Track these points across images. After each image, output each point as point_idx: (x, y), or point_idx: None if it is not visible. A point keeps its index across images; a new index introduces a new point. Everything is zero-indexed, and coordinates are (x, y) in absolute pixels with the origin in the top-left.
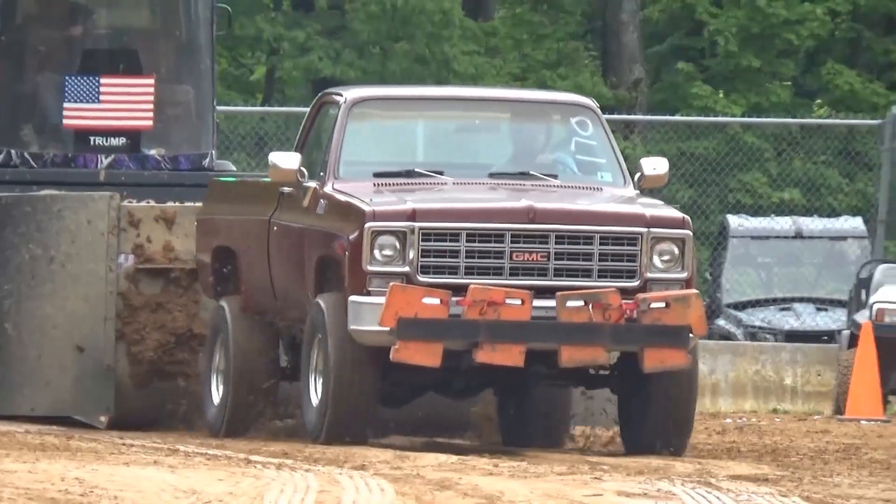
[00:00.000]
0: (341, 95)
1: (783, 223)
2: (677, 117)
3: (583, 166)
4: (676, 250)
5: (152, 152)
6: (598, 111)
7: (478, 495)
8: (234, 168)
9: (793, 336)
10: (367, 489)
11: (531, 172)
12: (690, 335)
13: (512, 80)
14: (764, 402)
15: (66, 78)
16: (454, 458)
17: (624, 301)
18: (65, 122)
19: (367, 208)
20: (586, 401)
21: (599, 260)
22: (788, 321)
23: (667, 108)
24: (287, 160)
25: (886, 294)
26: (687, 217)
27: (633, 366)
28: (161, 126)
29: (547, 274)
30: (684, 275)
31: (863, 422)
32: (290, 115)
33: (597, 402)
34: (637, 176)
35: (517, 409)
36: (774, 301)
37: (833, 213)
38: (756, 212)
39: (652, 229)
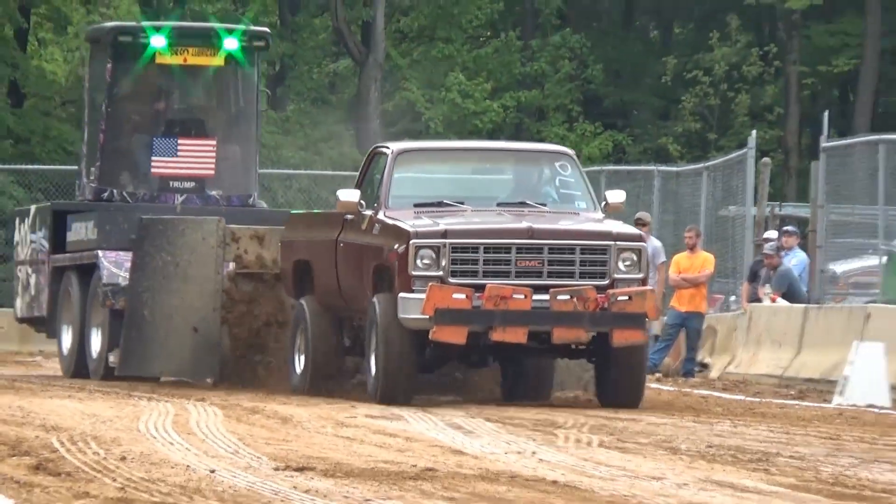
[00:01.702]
0: (389, 148)
1: None
2: None
3: (564, 197)
4: (635, 257)
5: (213, 193)
6: (575, 157)
7: (276, 416)
8: (266, 206)
9: None
10: (206, 412)
11: (527, 202)
12: (646, 319)
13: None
14: None
15: (154, 139)
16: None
17: (598, 295)
18: (152, 170)
19: (411, 229)
20: (565, 372)
21: (580, 265)
22: None
23: None
24: (350, 195)
25: None
26: (643, 233)
27: (605, 342)
28: (219, 175)
29: (542, 275)
30: (641, 275)
31: None
32: None
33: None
34: (603, 204)
35: (514, 376)
36: None
37: None
38: None
39: (617, 242)
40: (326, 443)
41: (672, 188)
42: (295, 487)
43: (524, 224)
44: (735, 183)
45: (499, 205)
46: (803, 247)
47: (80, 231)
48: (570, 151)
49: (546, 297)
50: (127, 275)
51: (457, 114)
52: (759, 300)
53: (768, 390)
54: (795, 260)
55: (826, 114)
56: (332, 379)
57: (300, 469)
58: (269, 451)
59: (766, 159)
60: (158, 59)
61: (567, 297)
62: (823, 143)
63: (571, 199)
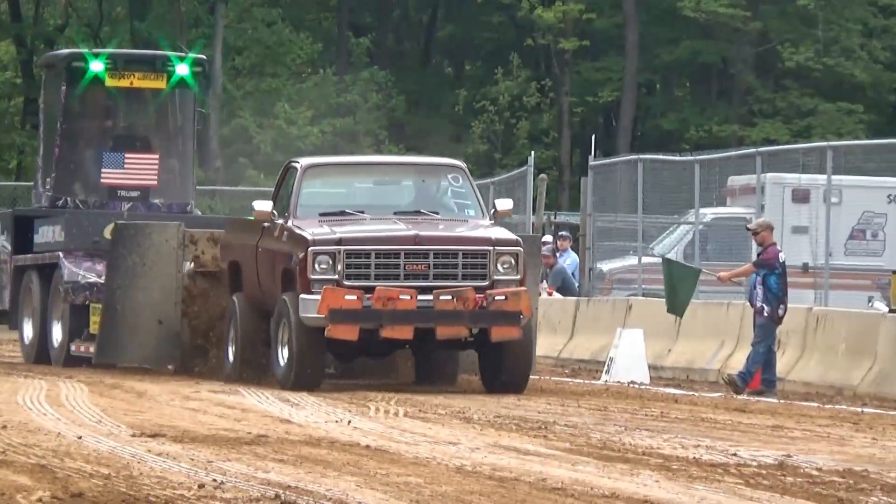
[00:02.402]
0: (299, 162)
1: None
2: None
3: (457, 206)
4: (513, 261)
5: (156, 201)
6: (466, 170)
7: (133, 391)
8: (199, 213)
9: None
10: (74, 388)
11: (422, 211)
12: (522, 316)
13: None
14: None
15: (103, 153)
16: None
17: (477, 295)
18: (102, 181)
19: (310, 237)
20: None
21: (462, 268)
22: None
23: None
24: (264, 205)
25: None
26: (519, 238)
27: (484, 337)
28: (161, 185)
29: (428, 278)
30: (518, 277)
31: None
32: None
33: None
34: (492, 211)
35: (423, 362)
36: None
37: None
38: None
39: (496, 247)
40: (175, 413)
41: None
42: (149, 451)
43: (412, 231)
44: (517, 195)
45: (396, 213)
46: (575, 249)
47: (47, 234)
48: (462, 165)
49: (430, 297)
50: (85, 273)
51: (283, 138)
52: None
53: (546, 369)
54: (569, 260)
55: (593, 137)
56: (257, 367)
57: (153, 435)
58: (128, 421)
59: (542, 175)
60: (108, 82)
61: (449, 297)
62: (591, 162)
63: (463, 207)
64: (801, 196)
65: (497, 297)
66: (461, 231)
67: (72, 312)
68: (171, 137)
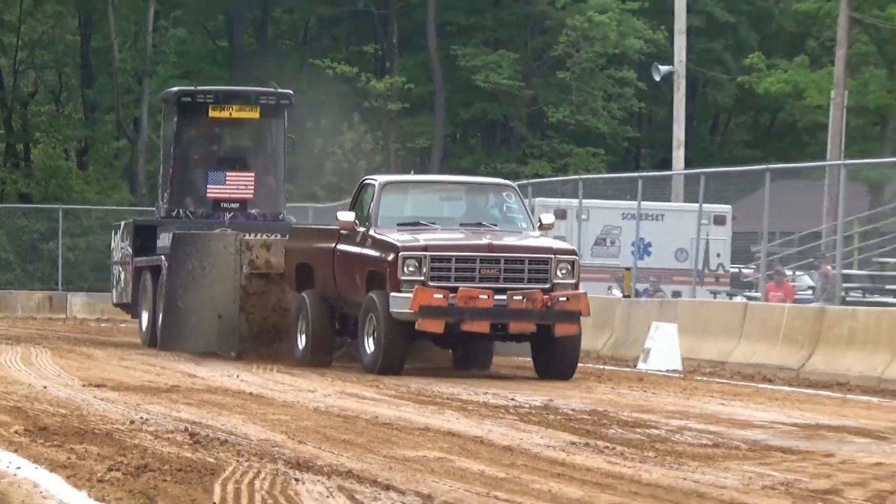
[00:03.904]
0: (375, 180)
1: None
2: None
3: (509, 219)
4: (570, 267)
5: (253, 212)
6: (517, 188)
7: (83, 354)
8: (294, 220)
9: None
10: (41, 352)
11: (482, 223)
12: (580, 316)
13: None
14: None
15: (209, 172)
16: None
17: (543, 296)
18: (208, 195)
19: (399, 243)
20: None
21: (528, 272)
22: None
23: None
24: (347, 216)
25: None
26: (574, 248)
27: (548, 332)
28: (257, 198)
29: (499, 280)
30: (574, 281)
31: None
32: None
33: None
34: (538, 224)
35: (465, 352)
36: None
37: None
38: None
39: (556, 255)
40: (113, 370)
41: None
42: (94, 397)
43: (485, 241)
44: None
45: (461, 224)
46: None
47: (165, 239)
48: (514, 185)
49: (504, 297)
50: None
51: None
52: None
53: None
54: None
55: (412, 172)
56: (327, 351)
57: (98, 385)
58: (79, 375)
59: None
60: (211, 114)
61: (520, 297)
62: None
63: (514, 220)
64: (560, 214)
65: (560, 298)
66: (525, 241)
67: None
68: (265, 158)
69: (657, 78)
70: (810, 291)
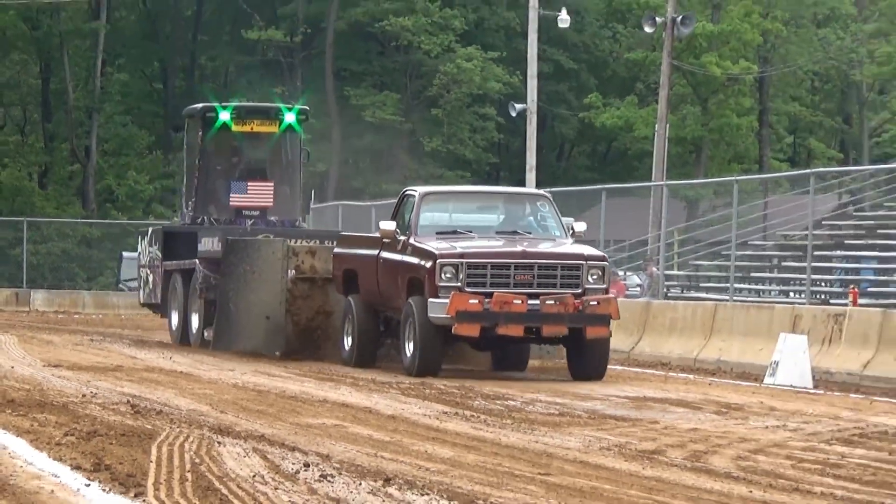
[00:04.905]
0: (416, 191)
1: None
2: None
3: (543, 228)
4: (600, 272)
5: (272, 218)
6: (550, 198)
7: (43, 341)
8: (307, 227)
9: None
10: (9, 339)
11: (518, 231)
12: (611, 319)
13: None
14: None
15: (231, 182)
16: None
17: (575, 301)
18: (230, 203)
19: (436, 251)
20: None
21: (561, 278)
22: None
23: None
24: (389, 225)
25: None
26: (605, 254)
27: (579, 334)
28: (276, 206)
29: (533, 286)
30: (604, 286)
31: None
32: None
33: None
34: (571, 231)
35: (502, 354)
36: None
37: None
38: None
39: (588, 262)
40: (68, 353)
41: None
42: (53, 374)
43: (519, 248)
44: None
45: (497, 233)
46: None
47: (208, 244)
48: (547, 194)
49: (537, 302)
50: (215, 276)
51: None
52: None
53: None
54: None
55: (312, 192)
56: (371, 352)
57: (56, 366)
58: (41, 357)
59: None
60: (234, 128)
61: (553, 302)
62: (312, 206)
63: (548, 228)
64: None
65: (591, 303)
66: (558, 248)
67: (205, 306)
68: (283, 169)
69: (513, 114)
70: (639, 289)
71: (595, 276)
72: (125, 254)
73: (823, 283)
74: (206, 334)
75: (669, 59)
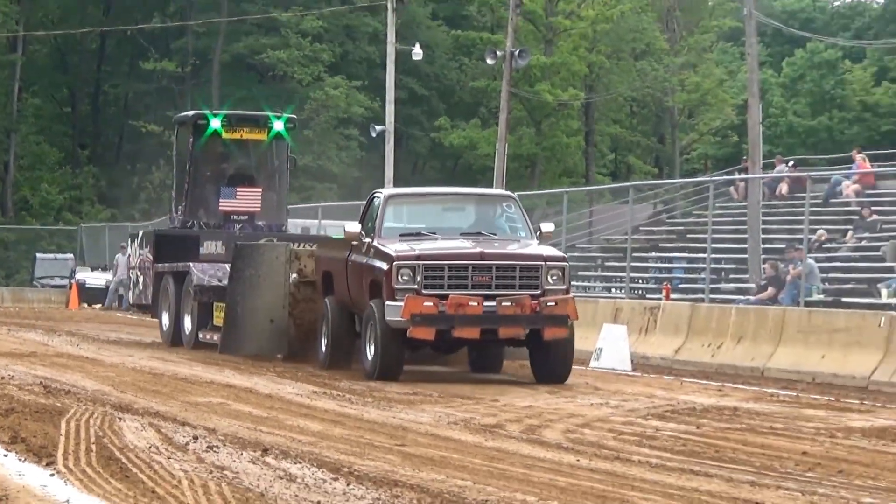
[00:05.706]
0: (381, 193)
1: None
2: None
3: (510, 228)
4: (560, 273)
5: (259, 223)
6: (517, 198)
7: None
8: (291, 231)
9: None
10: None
11: (483, 232)
12: (569, 320)
13: None
14: None
15: (221, 187)
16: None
17: (532, 302)
18: (220, 208)
19: (394, 253)
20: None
21: (519, 280)
22: None
23: None
24: (354, 227)
25: None
26: (565, 255)
27: (539, 336)
28: (263, 211)
29: (491, 287)
30: (564, 286)
31: None
32: None
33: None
34: (538, 233)
35: (478, 355)
36: None
37: None
38: None
39: (547, 262)
40: None
41: None
42: None
43: (477, 249)
44: None
45: (462, 234)
46: None
47: (211, 247)
48: (514, 195)
49: (494, 303)
50: (209, 279)
51: None
52: None
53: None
54: None
55: None
56: (345, 353)
57: None
58: None
59: None
60: (224, 135)
61: (509, 303)
62: None
63: (515, 230)
64: (306, 230)
65: (549, 303)
66: (517, 249)
67: (199, 308)
68: (270, 175)
69: (374, 134)
70: None
71: (555, 277)
72: (39, 255)
73: (640, 281)
74: (199, 336)
75: (508, 87)
